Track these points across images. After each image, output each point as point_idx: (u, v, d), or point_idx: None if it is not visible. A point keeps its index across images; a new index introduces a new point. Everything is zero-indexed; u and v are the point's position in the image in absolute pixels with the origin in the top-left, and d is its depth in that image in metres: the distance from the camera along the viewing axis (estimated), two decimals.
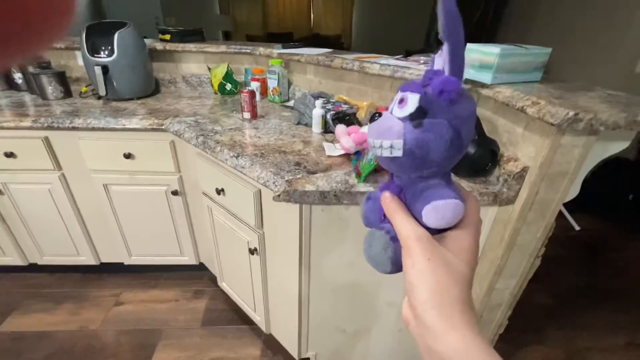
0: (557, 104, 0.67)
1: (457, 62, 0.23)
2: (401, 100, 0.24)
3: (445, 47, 0.23)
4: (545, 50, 0.85)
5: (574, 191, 0.82)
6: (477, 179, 0.85)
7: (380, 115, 0.26)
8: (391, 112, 0.25)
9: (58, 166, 1.31)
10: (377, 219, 0.30)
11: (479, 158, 0.80)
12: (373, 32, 5.26)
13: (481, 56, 0.82)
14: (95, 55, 1.34)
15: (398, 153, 0.24)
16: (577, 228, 2.16)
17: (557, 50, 2.25)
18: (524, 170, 0.78)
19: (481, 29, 3.11)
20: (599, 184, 2.21)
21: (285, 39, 5.30)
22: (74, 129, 1.22)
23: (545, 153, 0.73)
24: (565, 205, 2.18)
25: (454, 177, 0.85)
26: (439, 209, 0.24)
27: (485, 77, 0.82)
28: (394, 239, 0.26)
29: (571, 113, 0.64)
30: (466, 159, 0.79)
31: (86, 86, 1.51)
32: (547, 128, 0.71)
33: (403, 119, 0.24)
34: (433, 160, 0.24)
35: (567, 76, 2.30)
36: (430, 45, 3.62)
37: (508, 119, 0.84)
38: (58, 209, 1.39)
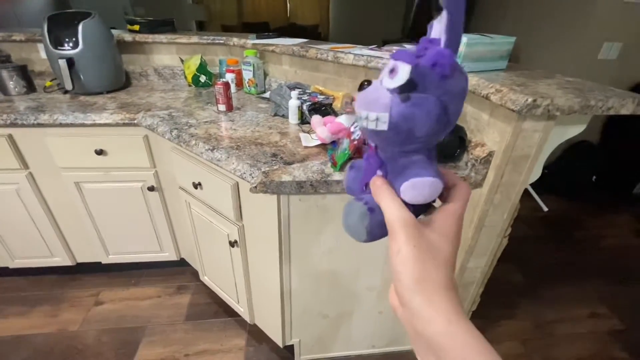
0: (518, 91, 0.71)
1: (454, 34, 0.22)
2: (392, 70, 0.23)
3: (444, 16, 0.22)
4: (509, 39, 0.89)
5: (536, 173, 0.87)
6: (447, 165, 0.89)
7: (369, 83, 0.25)
8: (381, 82, 0.24)
9: (24, 165, 1.26)
10: (359, 189, 0.30)
11: (448, 144, 0.83)
12: (350, 22, 5.23)
13: None
14: (59, 47, 1.28)
15: (383, 126, 0.23)
16: (546, 209, 2.28)
17: (528, 39, 2.35)
18: (490, 154, 0.82)
19: None
20: (565, 167, 2.35)
21: (262, 28, 5.20)
22: (39, 125, 1.17)
23: (509, 138, 0.77)
24: (534, 187, 2.31)
25: None
26: (416, 186, 0.24)
27: None
28: (372, 209, 0.26)
29: (530, 99, 0.67)
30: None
31: (51, 80, 1.44)
32: (509, 114, 0.75)
33: (392, 91, 0.23)
34: (417, 136, 0.23)
35: (537, 64, 2.39)
36: (407, 36, 3.65)
37: (475, 107, 0.87)
38: (27, 209, 1.34)
